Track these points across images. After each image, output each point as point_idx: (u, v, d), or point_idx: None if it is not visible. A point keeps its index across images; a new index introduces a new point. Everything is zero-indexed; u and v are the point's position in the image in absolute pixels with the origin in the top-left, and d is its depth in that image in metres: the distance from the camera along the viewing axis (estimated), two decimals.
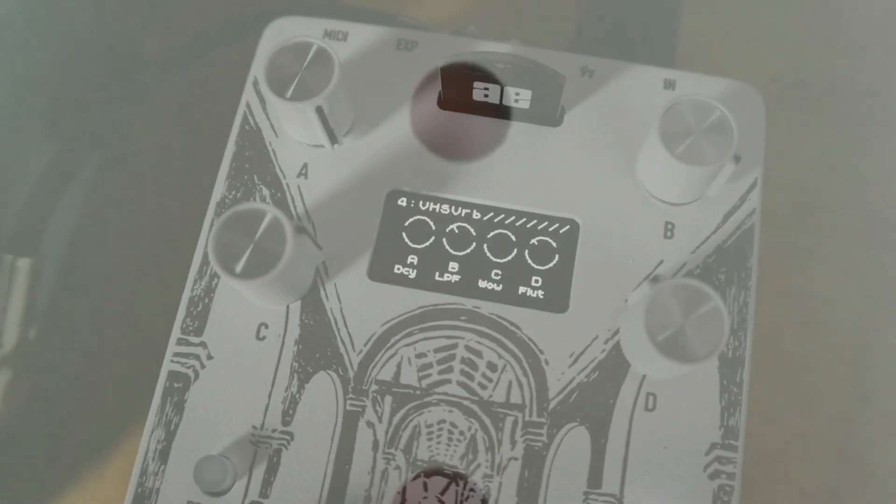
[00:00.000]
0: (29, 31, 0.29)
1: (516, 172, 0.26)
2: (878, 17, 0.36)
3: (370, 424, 0.23)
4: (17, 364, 0.28)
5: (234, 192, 0.26)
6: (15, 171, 0.30)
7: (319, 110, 0.23)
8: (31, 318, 0.29)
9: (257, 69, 0.27)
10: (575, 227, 0.25)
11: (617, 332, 0.24)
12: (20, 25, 0.29)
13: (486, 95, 0.25)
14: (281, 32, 0.28)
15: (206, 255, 0.25)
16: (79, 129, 0.31)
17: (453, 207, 0.26)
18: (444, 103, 0.26)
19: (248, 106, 0.27)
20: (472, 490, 0.23)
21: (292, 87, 0.23)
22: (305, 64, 0.24)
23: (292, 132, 0.26)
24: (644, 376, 0.23)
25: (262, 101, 0.27)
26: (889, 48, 0.36)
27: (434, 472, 0.23)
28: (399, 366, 0.24)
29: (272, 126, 0.26)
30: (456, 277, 0.25)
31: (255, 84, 0.27)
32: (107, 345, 0.33)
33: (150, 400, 0.32)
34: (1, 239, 0.29)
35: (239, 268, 0.22)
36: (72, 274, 0.33)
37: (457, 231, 0.25)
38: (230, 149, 0.26)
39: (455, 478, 0.23)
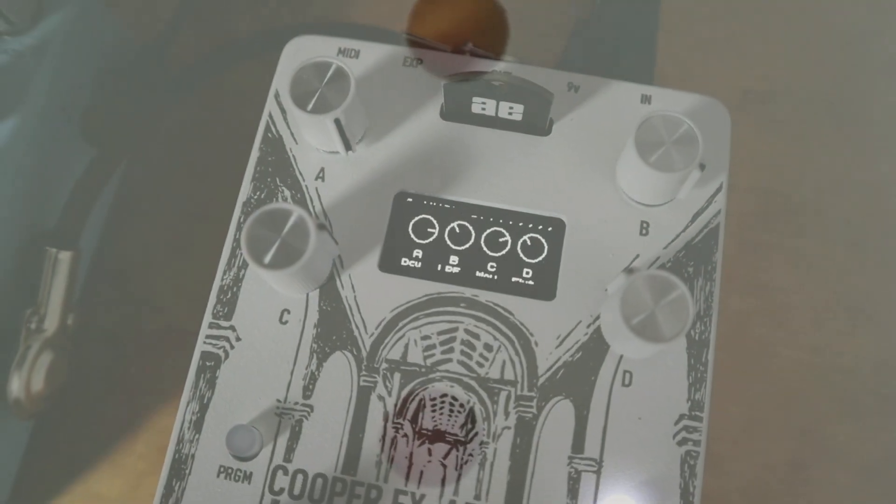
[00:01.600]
0: (69, 50, 0.32)
1: (509, 177, 0.29)
2: (834, 37, 0.40)
3: (381, 398, 0.26)
4: (57, 347, 0.31)
5: (258, 193, 0.29)
6: (57, 175, 0.33)
7: (337, 122, 0.27)
8: (70, 305, 0.32)
9: (279, 83, 0.30)
10: (561, 225, 0.28)
11: (598, 317, 0.27)
12: (61, 45, 0.32)
13: (483, 108, 0.29)
14: (299, 50, 0.31)
15: (234, 249, 0.28)
16: (111, 137, 0.34)
17: (454, 207, 0.29)
18: (446, 115, 0.29)
19: (270, 116, 0.30)
20: (470, 455, 0.26)
21: (313, 101, 0.27)
22: (325, 81, 0.27)
23: (311, 140, 0.29)
24: (621, 356, 0.27)
25: (283, 111, 0.30)
26: (846, 63, 0.39)
27: (437, 439, 0.26)
28: (406, 346, 0.27)
29: (292, 134, 0.30)
30: (456, 269, 0.28)
31: (277, 96, 0.30)
32: (134, 331, 0.36)
33: (174, 381, 0.35)
34: (46, 234, 0.32)
35: (267, 259, 0.25)
36: (103, 265, 0.36)
37: (457, 228, 0.29)
38: (254, 154, 0.29)
39: (456, 444, 0.26)
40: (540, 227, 0.28)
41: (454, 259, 0.28)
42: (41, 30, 0.31)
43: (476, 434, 0.26)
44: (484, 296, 0.27)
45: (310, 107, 0.27)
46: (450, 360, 0.27)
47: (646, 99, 0.30)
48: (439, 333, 0.27)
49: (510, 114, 0.29)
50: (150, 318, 0.36)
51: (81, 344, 0.33)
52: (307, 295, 0.28)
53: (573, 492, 0.26)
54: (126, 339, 0.36)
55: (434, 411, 0.26)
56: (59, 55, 0.32)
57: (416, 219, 0.29)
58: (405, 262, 0.28)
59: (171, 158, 0.37)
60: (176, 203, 0.37)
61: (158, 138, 0.37)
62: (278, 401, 0.26)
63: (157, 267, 0.36)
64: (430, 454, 0.26)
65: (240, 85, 0.38)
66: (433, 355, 0.27)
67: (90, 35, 0.33)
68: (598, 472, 0.26)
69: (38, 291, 0.31)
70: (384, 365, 0.27)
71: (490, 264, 0.28)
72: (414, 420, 0.26)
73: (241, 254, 0.28)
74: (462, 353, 0.27)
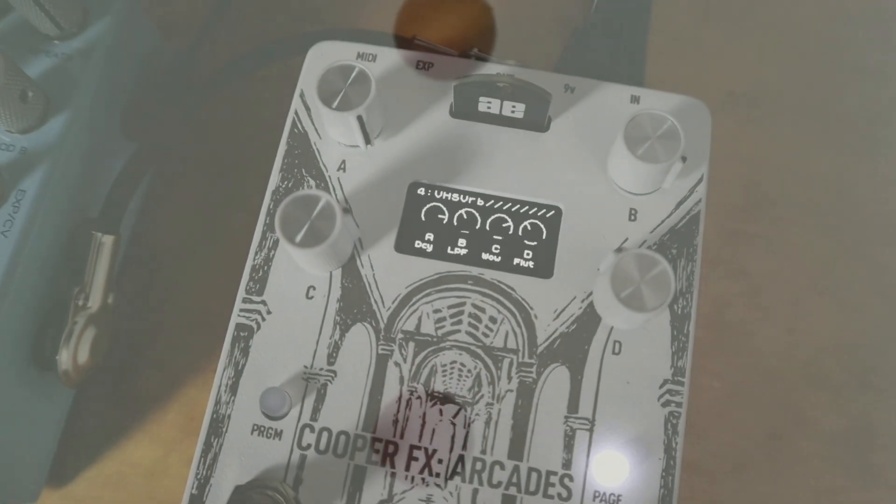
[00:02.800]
0: (112, 53, 0.35)
1: (512, 168, 0.32)
2: (810, 44, 0.43)
3: (397, 364, 0.30)
4: (100, 323, 0.34)
5: (286, 182, 0.32)
6: (101, 167, 0.36)
7: (360, 118, 0.30)
8: (111, 285, 0.35)
9: (303, 83, 0.33)
10: (559, 212, 0.32)
11: (591, 293, 0.30)
12: (105, 49, 0.35)
13: (489, 107, 0.32)
14: (322, 54, 0.34)
15: (264, 232, 0.31)
16: (149, 133, 0.37)
17: (462, 196, 0.32)
18: (455, 113, 0.33)
19: (296, 113, 0.33)
20: (477, 414, 0.29)
21: (338, 100, 0.30)
22: (349, 82, 0.30)
23: (334, 135, 0.32)
24: (612, 327, 0.30)
25: (308, 109, 0.33)
26: (820, 68, 0.43)
27: (447, 400, 0.29)
28: (420, 319, 0.30)
29: (316, 130, 0.33)
30: (464, 251, 0.31)
31: (302, 95, 0.33)
32: (165, 310, 0.39)
33: (201, 356, 0.38)
34: (91, 220, 0.35)
35: (298, 238, 0.28)
36: (138, 250, 0.39)
37: (464, 214, 0.32)
38: (282, 147, 0.33)
39: (464, 405, 0.29)
40: (539, 213, 0.32)
41: (462, 242, 0.31)
42: (87, 35, 0.35)
43: (482, 396, 0.29)
44: (489, 274, 0.31)
45: (335, 105, 0.30)
46: (458, 331, 0.30)
47: (635, 99, 0.33)
48: (449, 307, 0.30)
49: (513, 112, 0.32)
50: (179, 299, 0.39)
51: (119, 321, 0.36)
52: (330, 273, 0.31)
53: (569, 447, 0.29)
54: (157, 318, 0.39)
55: (444, 376, 0.30)
56: (103, 58, 0.35)
57: (428, 206, 0.32)
58: (418, 244, 0.31)
59: (200, 153, 0.41)
60: (204, 194, 0.40)
61: (190, 135, 0.41)
62: (305, 367, 0.30)
63: (186, 252, 0.39)
64: (441, 414, 0.29)
65: (263, 88, 0.41)
66: (444, 326, 0.30)
67: (130, 40, 0.37)
68: (590, 430, 0.29)
69: (84, 272, 0.34)
70: (400, 335, 0.30)
71: (494, 246, 0.31)
72: (427, 384, 0.29)
73: (271, 237, 0.31)
74: (469, 324, 0.30)
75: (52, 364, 0.33)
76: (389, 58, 0.34)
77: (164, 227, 0.40)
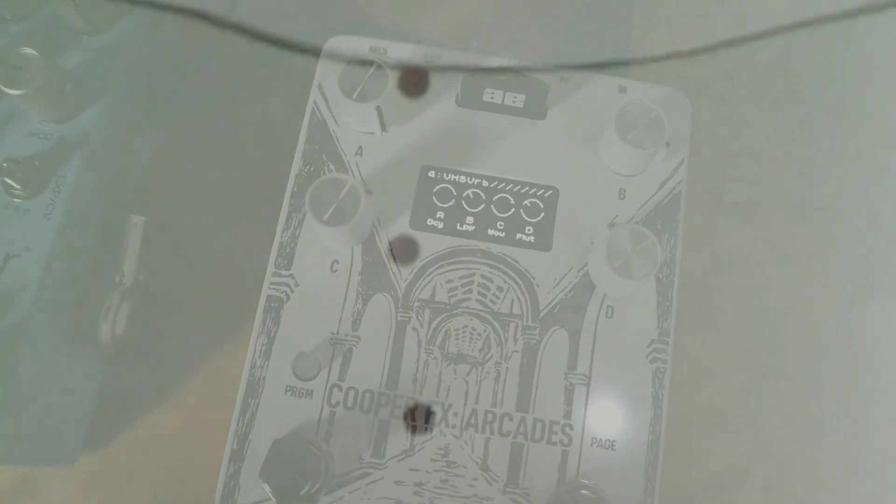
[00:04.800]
0: (139, 47, 0.38)
1: (513, 153, 0.35)
2: (778, 41, 0.47)
3: (415, 329, 0.33)
4: (134, 297, 0.37)
5: (308, 167, 0.35)
6: (132, 153, 0.39)
7: (378, 108, 0.33)
8: (143, 262, 0.38)
9: (321, 76, 0.36)
10: (556, 191, 0.35)
11: (586, 264, 0.34)
12: (133, 44, 0.38)
13: (492, 97, 0.35)
14: (336, 48, 0.37)
15: (289, 213, 0.34)
16: (175, 122, 0.40)
17: (468, 177, 0.35)
18: (461, 102, 0.36)
19: (315, 103, 0.36)
20: (487, 373, 0.33)
21: (357, 92, 0.33)
22: (368, 76, 0.33)
23: (352, 123, 0.35)
24: (605, 294, 0.34)
25: (326, 99, 0.36)
26: (787, 61, 0.47)
27: (461, 360, 0.33)
28: (434, 288, 0.34)
29: (334, 118, 0.36)
30: (472, 227, 0.35)
31: (320, 87, 0.36)
32: (196, 283, 0.42)
33: (224, 330, 0.41)
34: (124, 202, 0.38)
35: (326, 217, 0.31)
36: (167, 231, 0.42)
37: (471, 195, 0.35)
38: (303, 135, 0.36)
39: (475, 364, 0.33)
40: (538, 193, 0.35)
41: (470, 219, 0.35)
42: (116, 31, 0.37)
43: (491, 356, 0.33)
44: (495, 248, 0.34)
45: (355, 96, 0.33)
46: (469, 299, 0.34)
47: (623, 89, 0.37)
48: (460, 278, 0.34)
49: (514, 102, 0.35)
50: (203, 276, 0.42)
51: (150, 295, 0.39)
52: (352, 249, 0.34)
53: (568, 400, 0.32)
54: (184, 293, 0.42)
55: (458, 339, 0.33)
56: (131, 52, 0.38)
57: (438, 187, 0.35)
58: (430, 221, 0.35)
59: (220, 141, 0.43)
60: (234, 175, 0.43)
61: (216, 125, 0.43)
62: (332, 333, 0.33)
63: (210, 234, 0.42)
64: (455, 373, 0.33)
65: (280, 80, 0.44)
66: (456, 295, 0.34)
67: (155, 35, 0.39)
68: (587, 384, 0.33)
69: (118, 251, 0.37)
70: (416, 303, 0.33)
71: (499, 223, 0.35)
72: (442, 346, 0.33)
73: (296, 216, 0.34)
74: (479, 293, 0.34)
75: (91, 335, 0.36)
76: (399, 51, 0.37)
77: (190, 209, 0.42)
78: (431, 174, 0.35)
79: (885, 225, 0.44)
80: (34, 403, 0.34)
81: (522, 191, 0.35)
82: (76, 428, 0.39)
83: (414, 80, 0.35)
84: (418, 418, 0.32)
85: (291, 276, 0.34)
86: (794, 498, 0.41)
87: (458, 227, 0.35)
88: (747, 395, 0.41)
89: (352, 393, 0.32)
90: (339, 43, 0.37)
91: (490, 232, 0.35)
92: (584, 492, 0.30)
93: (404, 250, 0.34)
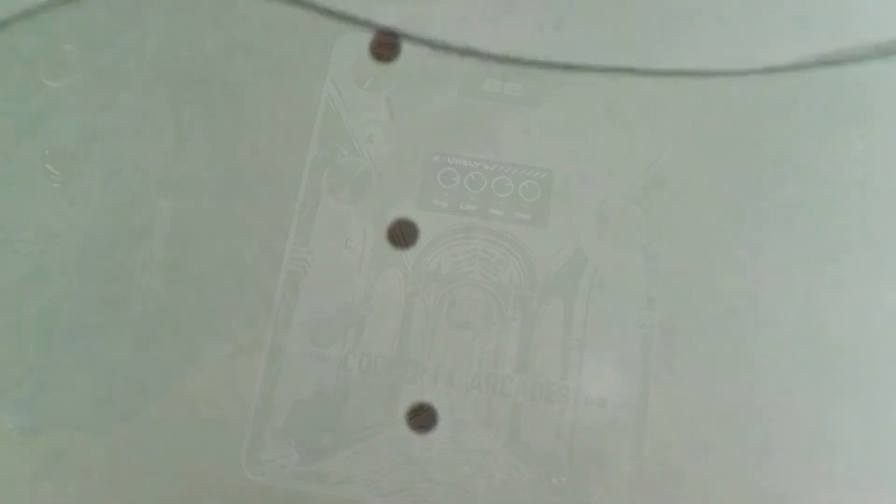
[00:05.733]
0: (163, 41, 0.41)
1: (511, 138, 0.38)
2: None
3: (423, 300, 0.36)
4: (161, 271, 0.40)
5: (323, 152, 0.38)
6: (158, 138, 0.42)
7: (388, 98, 0.36)
8: (172, 241, 0.40)
9: (334, 68, 0.39)
10: (551, 174, 0.38)
11: (579, 239, 0.37)
12: (157, 38, 0.40)
13: (492, 87, 0.38)
14: (347, 42, 0.40)
15: (307, 194, 0.37)
16: (194, 115, 0.43)
17: (470, 161, 0.38)
18: (463, 92, 0.39)
19: (328, 94, 0.39)
20: (489, 339, 0.36)
21: (369, 82, 0.36)
22: (378, 67, 0.36)
23: (363, 111, 0.38)
24: (597, 266, 0.37)
25: (338, 90, 0.39)
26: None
27: (465, 328, 0.36)
28: (439, 263, 0.37)
29: (346, 107, 0.39)
30: (474, 207, 0.38)
31: (333, 78, 0.39)
32: (221, 260, 0.45)
33: (253, 299, 0.44)
34: (151, 184, 0.41)
35: (341, 197, 0.34)
36: (194, 211, 0.45)
37: (473, 177, 0.38)
38: (318, 123, 0.39)
39: (478, 331, 0.36)
40: (535, 175, 0.38)
41: (472, 199, 0.38)
42: (142, 27, 0.40)
43: (493, 323, 0.36)
44: (496, 226, 0.37)
45: (367, 86, 0.36)
46: (472, 272, 0.36)
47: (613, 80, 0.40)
48: (464, 253, 0.37)
49: (512, 91, 0.38)
50: (228, 254, 0.45)
51: (178, 274, 0.42)
52: (364, 227, 0.37)
53: (564, 363, 0.36)
54: (210, 271, 0.45)
55: (462, 308, 0.36)
56: (157, 45, 0.40)
57: (443, 170, 0.38)
58: (436, 202, 0.38)
59: (243, 127, 0.46)
60: (252, 159, 0.46)
61: (230, 112, 0.46)
62: (347, 303, 0.36)
63: (233, 215, 0.45)
64: (460, 339, 0.36)
65: (297, 69, 0.47)
66: (460, 268, 0.37)
67: (178, 29, 0.42)
68: (581, 349, 0.36)
69: (151, 232, 0.40)
70: (424, 276, 0.36)
71: (499, 203, 0.38)
72: (448, 315, 0.36)
73: (312, 197, 0.37)
74: (481, 266, 0.37)
75: (124, 310, 0.39)
76: (406, 46, 0.40)
77: (217, 189, 0.45)
78: (436, 158, 0.38)
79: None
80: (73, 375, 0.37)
81: (520, 173, 0.38)
82: (108, 400, 0.42)
83: (385, 45, 0.38)
84: (426, 381, 0.35)
85: (309, 252, 0.37)
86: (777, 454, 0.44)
87: (462, 207, 0.37)
88: (732, 359, 0.44)
89: (366, 359, 0.35)
90: (350, 37, 0.40)
91: (491, 211, 0.38)
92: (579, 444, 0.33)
93: (403, 233, 0.37)
